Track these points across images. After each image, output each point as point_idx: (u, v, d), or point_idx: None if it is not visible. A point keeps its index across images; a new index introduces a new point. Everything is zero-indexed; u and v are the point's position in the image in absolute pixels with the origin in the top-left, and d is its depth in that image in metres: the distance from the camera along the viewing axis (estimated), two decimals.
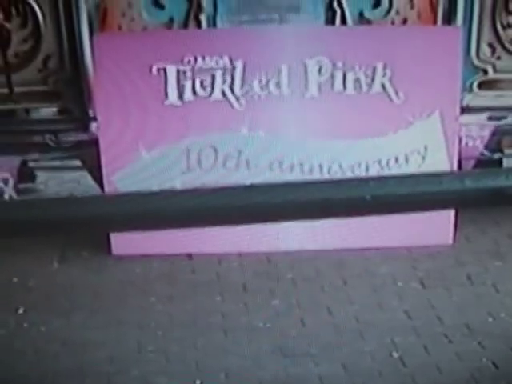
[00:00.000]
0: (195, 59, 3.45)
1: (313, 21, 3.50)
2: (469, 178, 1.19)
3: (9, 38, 3.55)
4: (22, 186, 3.76)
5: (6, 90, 3.62)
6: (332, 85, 3.51)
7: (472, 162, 3.67)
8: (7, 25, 3.53)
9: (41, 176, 3.77)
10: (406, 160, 3.63)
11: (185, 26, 3.51)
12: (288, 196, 1.18)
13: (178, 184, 3.57)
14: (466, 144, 3.65)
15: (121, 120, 3.56)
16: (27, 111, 3.68)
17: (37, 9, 3.48)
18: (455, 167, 3.55)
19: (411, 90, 3.52)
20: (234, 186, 1.42)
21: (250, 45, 3.47)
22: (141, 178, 3.60)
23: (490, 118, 3.69)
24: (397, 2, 3.47)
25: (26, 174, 3.73)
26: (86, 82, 3.58)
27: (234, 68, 3.47)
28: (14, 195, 3.65)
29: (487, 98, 3.68)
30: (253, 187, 1.25)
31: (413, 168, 3.58)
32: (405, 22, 3.53)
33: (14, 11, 3.50)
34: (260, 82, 3.49)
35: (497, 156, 3.73)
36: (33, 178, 3.79)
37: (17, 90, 3.61)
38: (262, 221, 1.25)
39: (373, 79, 3.50)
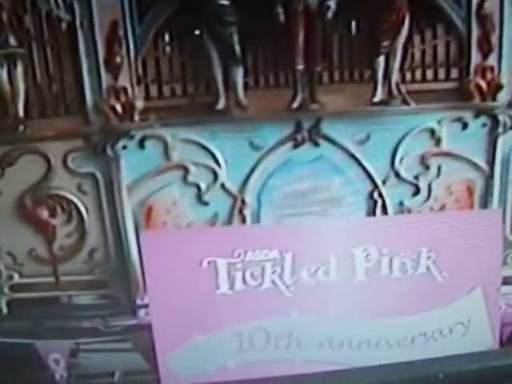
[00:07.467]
0: (245, 253, 3.49)
1: (354, 212, 3.53)
2: None
3: (54, 233, 3.54)
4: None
5: (52, 279, 3.64)
6: (379, 269, 3.58)
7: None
8: (52, 221, 3.52)
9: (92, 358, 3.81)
10: (450, 331, 3.74)
11: (229, 220, 3.52)
12: (364, 379, 1.26)
13: (233, 364, 3.67)
14: (505, 312, 3.78)
15: (173, 307, 3.60)
16: (70, 297, 3.70)
17: (81, 207, 3.48)
18: (497, 334, 3.67)
19: (454, 269, 3.61)
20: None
21: (299, 238, 3.52)
22: (194, 359, 3.67)
23: None
24: (435, 189, 3.52)
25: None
26: (133, 273, 3.60)
27: (283, 259, 3.52)
28: (65, 375, 3.71)
29: None
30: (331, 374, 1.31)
31: (456, 338, 3.70)
32: (443, 207, 3.59)
33: (59, 209, 3.49)
34: (309, 270, 3.55)
35: None
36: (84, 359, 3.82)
37: (63, 279, 3.64)
38: None
39: (418, 262, 3.58)
